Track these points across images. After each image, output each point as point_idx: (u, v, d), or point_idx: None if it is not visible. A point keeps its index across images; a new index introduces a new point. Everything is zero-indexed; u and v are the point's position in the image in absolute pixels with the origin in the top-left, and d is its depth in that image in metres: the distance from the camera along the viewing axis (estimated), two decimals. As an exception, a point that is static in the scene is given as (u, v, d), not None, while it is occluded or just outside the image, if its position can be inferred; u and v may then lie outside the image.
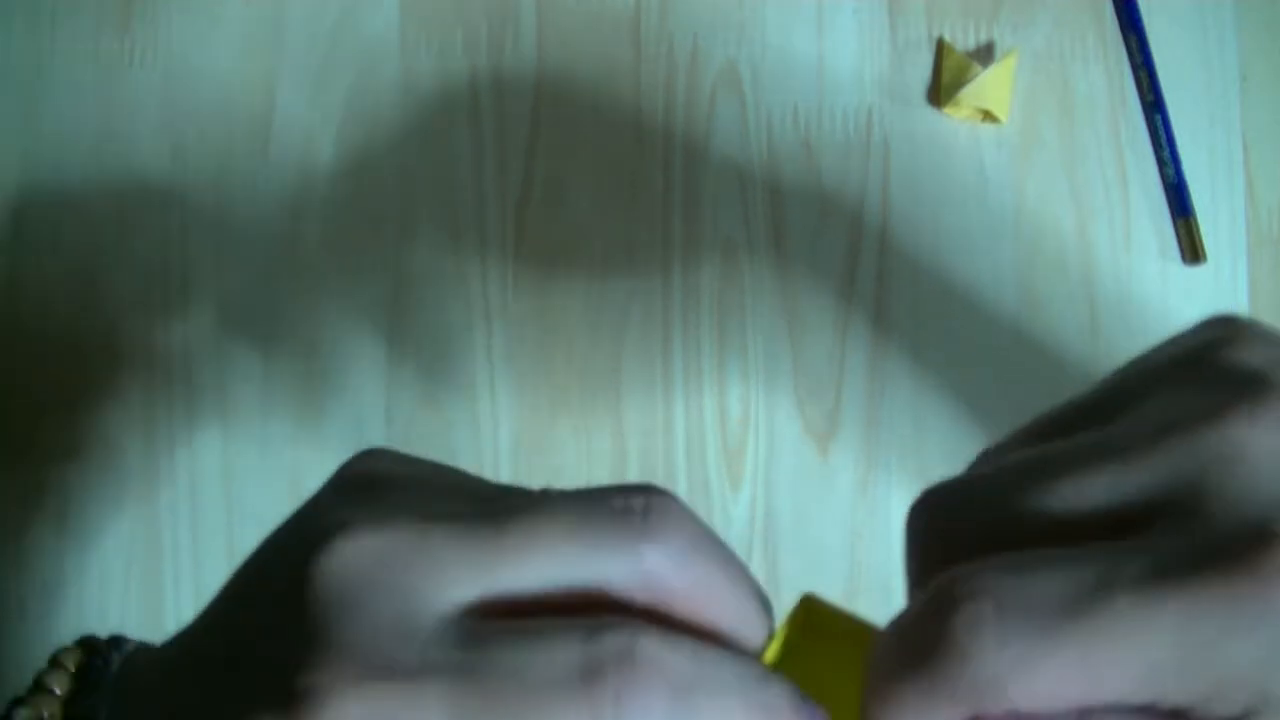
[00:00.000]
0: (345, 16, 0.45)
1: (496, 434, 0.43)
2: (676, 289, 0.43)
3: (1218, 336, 0.19)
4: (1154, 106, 0.43)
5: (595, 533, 0.19)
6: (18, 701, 0.22)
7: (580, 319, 0.43)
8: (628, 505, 0.19)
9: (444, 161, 0.44)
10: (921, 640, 0.18)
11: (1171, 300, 0.43)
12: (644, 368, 0.43)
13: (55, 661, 0.23)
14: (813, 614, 0.22)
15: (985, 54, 0.44)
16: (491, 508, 0.19)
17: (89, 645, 0.23)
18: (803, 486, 0.42)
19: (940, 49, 0.44)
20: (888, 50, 0.44)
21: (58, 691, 0.22)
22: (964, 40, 0.44)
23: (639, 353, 0.43)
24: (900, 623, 0.19)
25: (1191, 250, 0.42)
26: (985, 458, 0.22)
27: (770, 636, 0.21)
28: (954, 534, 0.19)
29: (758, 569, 0.42)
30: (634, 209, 0.44)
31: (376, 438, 0.43)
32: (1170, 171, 0.43)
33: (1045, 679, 0.17)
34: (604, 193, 0.44)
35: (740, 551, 0.42)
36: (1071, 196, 0.43)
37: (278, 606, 0.19)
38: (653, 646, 0.18)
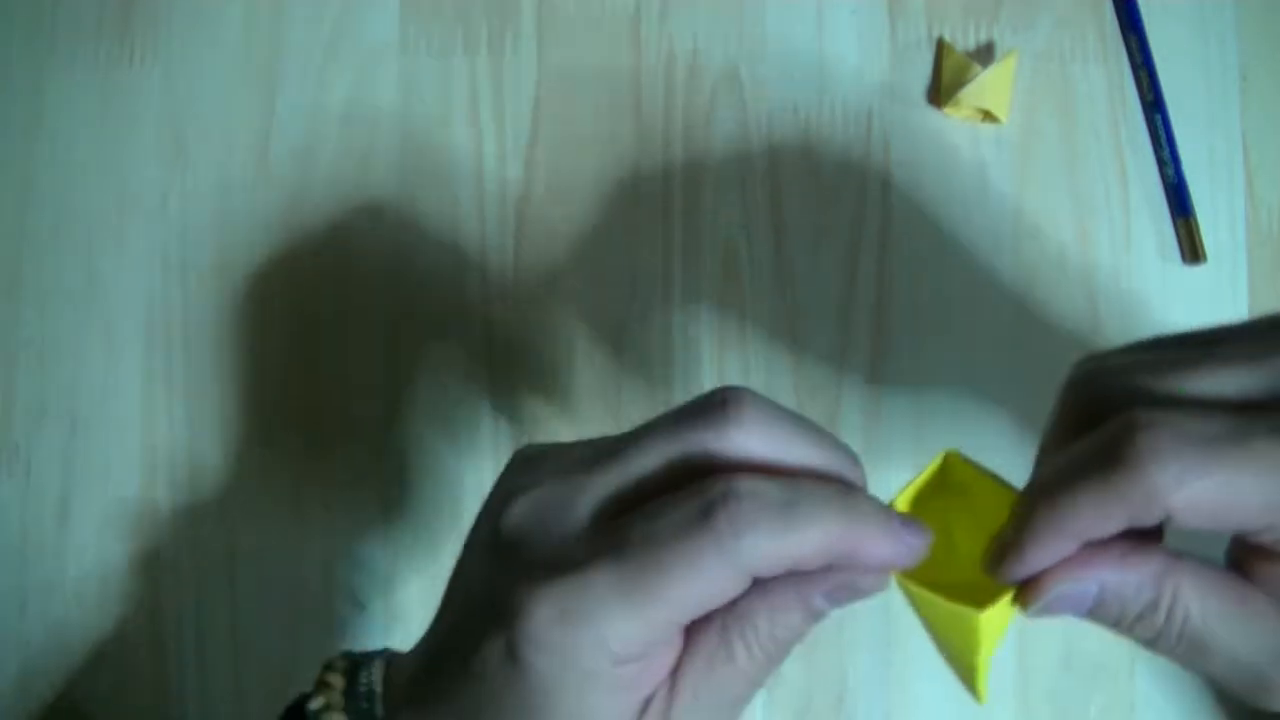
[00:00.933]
0: (345, 16, 0.45)
1: (496, 434, 0.43)
2: (676, 289, 0.43)
3: None
4: (1154, 106, 0.43)
5: (689, 425, 0.24)
6: (306, 695, 0.28)
7: (580, 319, 0.43)
8: (709, 401, 0.25)
9: (444, 161, 0.44)
10: (1104, 454, 0.23)
11: (1171, 300, 0.43)
12: (644, 367, 0.43)
13: (329, 665, 0.29)
14: (952, 469, 0.26)
15: (985, 54, 0.44)
16: (609, 441, 0.26)
17: (351, 655, 0.29)
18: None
19: (940, 49, 0.44)
20: (888, 50, 0.44)
21: (337, 685, 0.28)
22: (964, 40, 0.44)
23: (639, 352, 0.43)
24: (1081, 444, 0.24)
25: (1191, 250, 0.42)
26: (1131, 350, 0.27)
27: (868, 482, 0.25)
28: (1112, 397, 0.24)
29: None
30: (634, 209, 0.44)
31: (376, 436, 0.43)
32: (1170, 171, 0.43)
33: (1196, 494, 0.22)
34: (604, 193, 0.44)
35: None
36: (1071, 196, 0.43)
37: (486, 555, 0.26)
38: (749, 482, 0.23)
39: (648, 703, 0.25)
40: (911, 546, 0.24)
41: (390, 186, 0.44)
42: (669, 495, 0.24)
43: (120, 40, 0.45)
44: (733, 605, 0.25)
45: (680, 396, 0.43)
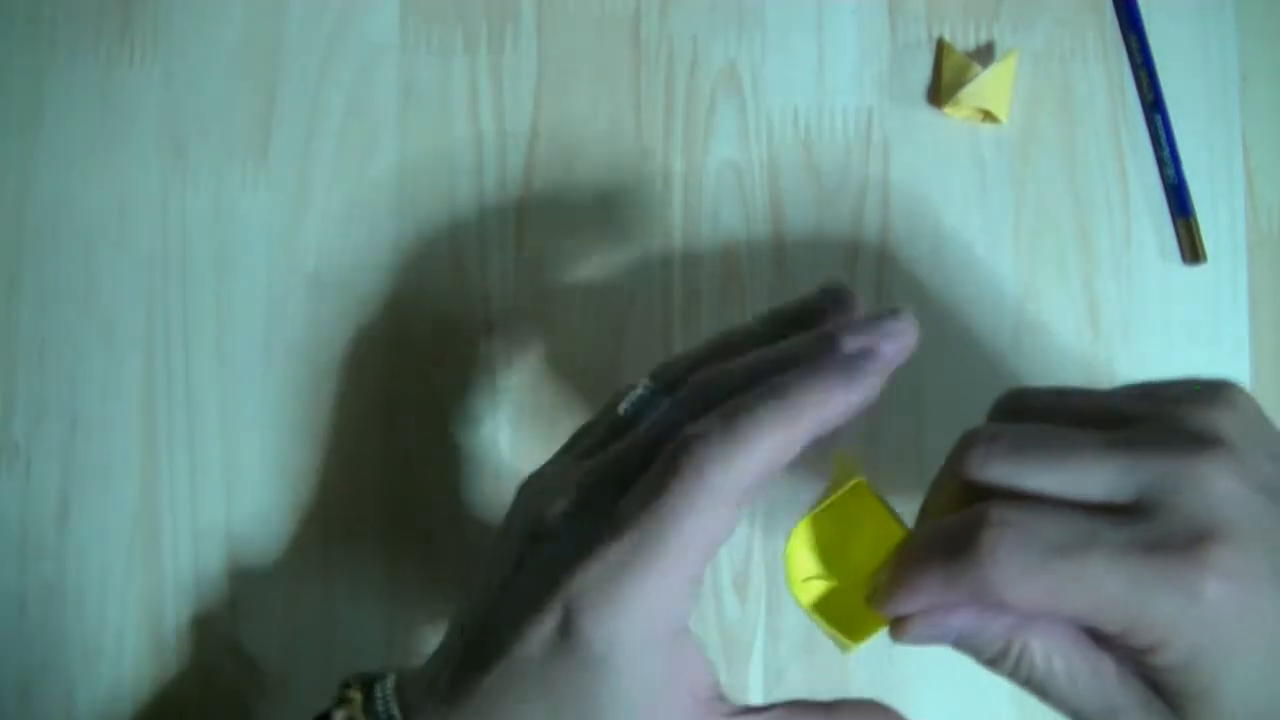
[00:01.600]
0: (345, 16, 0.45)
1: (496, 434, 0.43)
2: (676, 289, 0.43)
3: (1214, 397, 0.28)
4: (1154, 106, 0.43)
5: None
6: (324, 713, 0.30)
7: (580, 319, 0.43)
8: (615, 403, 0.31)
9: (444, 161, 0.44)
10: (955, 541, 0.26)
11: (1171, 300, 0.43)
12: (644, 368, 0.43)
13: (346, 683, 0.31)
14: (859, 495, 0.30)
15: (985, 54, 0.44)
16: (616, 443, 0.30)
17: (364, 674, 0.31)
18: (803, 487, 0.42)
19: (940, 49, 0.44)
20: (888, 50, 0.44)
21: (356, 699, 0.30)
22: (964, 40, 0.44)
23: (639, 353, 0.43)
24: (944, 524, 0.27)
25: (1191, 250, 0.42)
26: (1015, 398, 0.31)
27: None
28: (985, 482, 0.27)
29: (758, 567, 0.42)
30: (634, 209, 0.44)
31: (376, 437, 0.43)
32: (1170, 171, 0.43)
33: (1030, 591, 0.25)
34: (604, 193, 0.44)
35: (739, 552, 0.42)
36: (1071, 196, 0.43)
37: (523, 547, 0.28)
38: (692, 426, 0.27)
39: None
40: (859, 397, 0.28)
41: (390, 186, 0.44)
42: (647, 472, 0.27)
43: (120, 40, 0.45)
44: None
45: (680, 396, 0.43)
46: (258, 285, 0.44)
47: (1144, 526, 0.25)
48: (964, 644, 0.28)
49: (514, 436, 0.43)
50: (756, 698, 0.42)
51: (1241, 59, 0.43)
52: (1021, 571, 0.25)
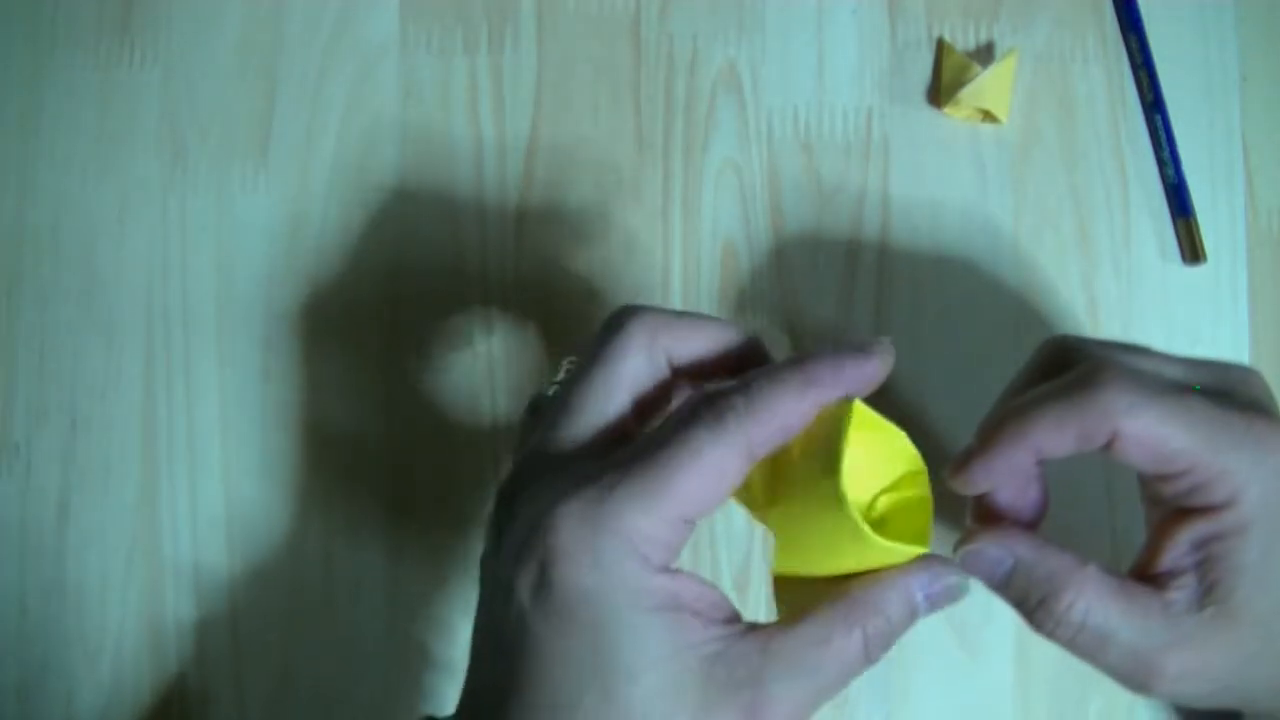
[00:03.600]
0: (345, 16, 0.45)
1: (496, 434, 0.43)
2: (676, 289, 0.43)
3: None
4: (1154, 106, 0.43)
5: (606, 356, 0.30)
6: None
7: (580, 319, 0.43)
8: (610, 327, 0.30)
9: (444, 162, 0.44)
10: (1072, 381, 0.29)
11: (1171, 300, 0.43)
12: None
13: None
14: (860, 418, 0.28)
15: (985, 54, 0.44)
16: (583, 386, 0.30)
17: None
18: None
19: (940, 49, 0.44)
20: (888, 50, 0.44)
21: None
22: (964, 40, 0.44)
23: (639, 353, 0.43)
24: (1049, 384, 0.29)
25: (1191, 250, 0.42)
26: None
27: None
28: (1085, 351, 0.31)
29: (758, 568, 0.42)
30: (634, 209, 0.44)
31: (376, 436, 0.43)
32: (1170, 171, 0.43)
33: (1140, 424, 0.28)
34: (604, 193, 0.44)
35: (741, 554, 0.42)
36: (1071, 196, 0.43)
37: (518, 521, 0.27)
38: (712, 386, 0.28)
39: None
40: (870, 370, 0.28)
41: (390, 186, 0.44)
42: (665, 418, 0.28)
43: (120, 40, 0.45)
44: (856, 597, 0.27)
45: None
46: (258, 285, 0.44)
47: (1223, 398, 0.29)
48: (1015, 581, 0.29)
49: (513, 436, 0.43)
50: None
51: (1241, 59, 0.43)
52: (1138, 402, 0.28)
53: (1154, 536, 0.30)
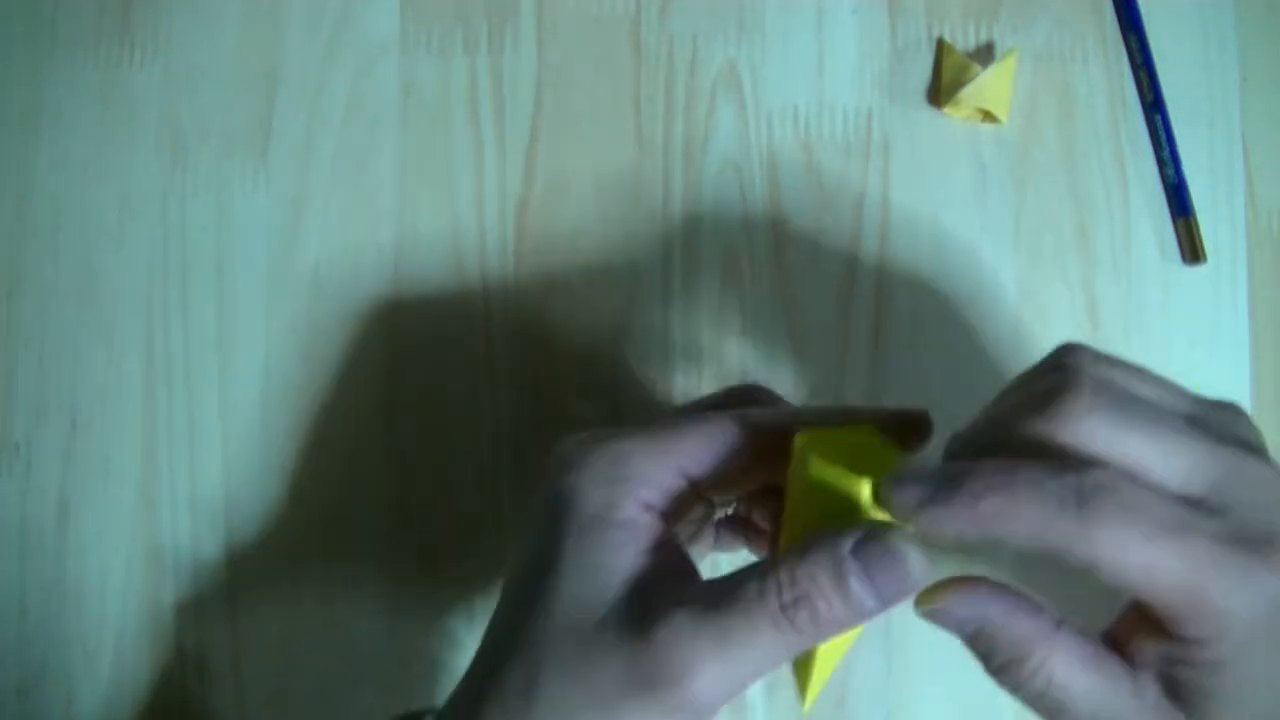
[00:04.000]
0: (345, 16, 0.45)
1: (496, 435, 0.43)
2: (676, 290, 0.43)
3: (1241, 412, 0.28)
4: (1154, 106, 0.43)
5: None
6: None
7: (580, 319, 0.43)
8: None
9: (444, 161, 0.44)
10: (1072, 490, 0.25)
11: (1171, 300, 0.43)
12: (644, 367, 0.43)
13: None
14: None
15: (985, 54, 0.44)
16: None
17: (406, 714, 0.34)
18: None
19: (940, 49, 0.44)
20: (888, 50, 0.44)
21: None
22: (964, 40, 0.44)
23: (639, 352, 0.43)
24: (1045, 470, 0.26)
25: (1191, 250, 0.42)
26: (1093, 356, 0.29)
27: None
28: (1090, 420, 0.27)
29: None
30: (634, 209, 0.44)
31: (376, 437, 0.43)
32: (1170, 171, 0.43)
33: (1131, 561, 0.25)
34: (604, 193, 0.44)
35: (739, 554, 0.42)
36: (1071, 196, 0.43)
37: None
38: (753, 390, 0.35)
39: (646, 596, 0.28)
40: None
41: (390, 186, 0.44)
42: None
43: (120, 40, 0.45)
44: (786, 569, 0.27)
45: (680, 397, 0.43)
46: (258, 285, 0.44)
47: (1223, 520, 0.26)
48: (980, 640, 0.28)
49: (513, 436, 0.43)
50: (756, 697, 0.42)
51: (1241, 59, 0.43)
52: (1128, 540, 0.25)
53: (1129, 618, 0.28)
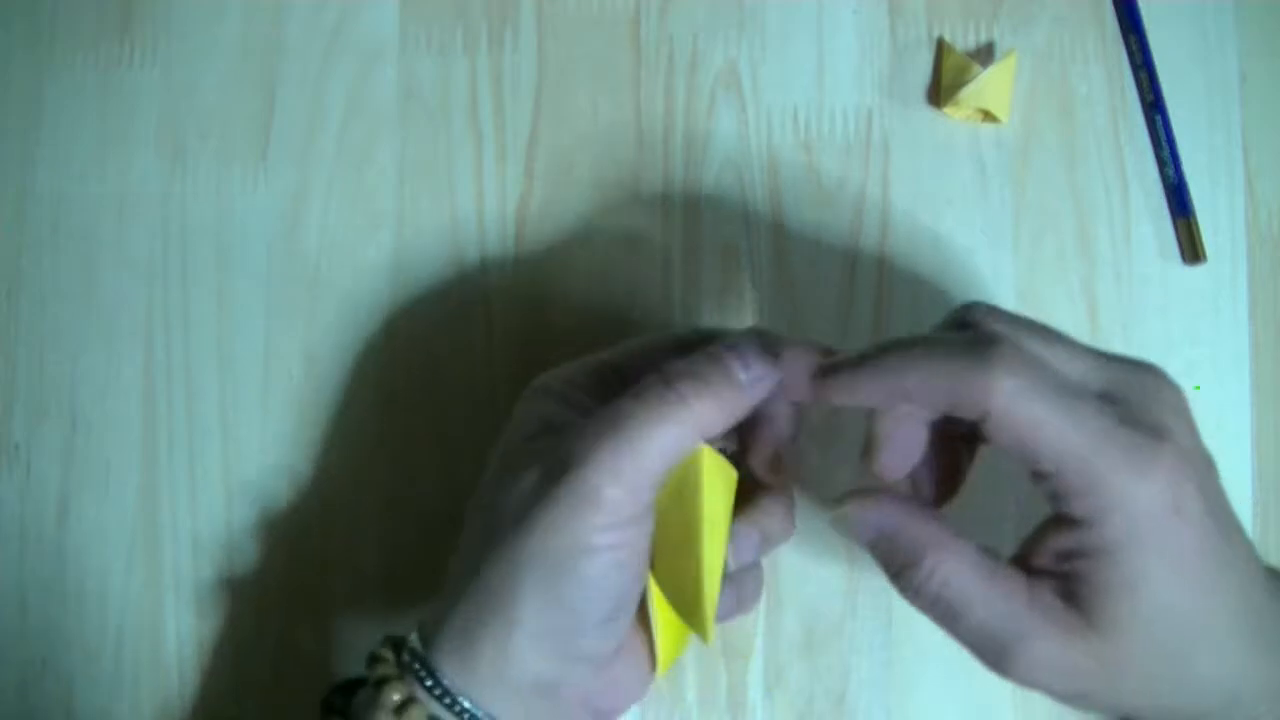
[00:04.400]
0: (345, 16, 0.45)
1: (496, 434, 0.43)
2: (676, 289, 0.43)
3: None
4: (1154, 106, 0.43)
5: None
6: (351, 680, 0.34)
7: (580, 319, 0.43)
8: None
9: (444, 161, 0.44)
10: (966, 349, 0.28)
11: (1171, 300, 0.43)
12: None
13: (376, 650, 0.33)
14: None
15: (985, 54, 0.44)
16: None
17: (390, 636, 0.34)
18: (803, 487, 0.42)
19: (940, 49, 0.44)
20: (888, 50, 0.44)
21: (389, 658, 0.33)
22: (964, 40, 0.44)
23: (639, 353, 0.43)
24: (949, 336, 0.30)
25: (1191, 250, 0.42)
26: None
27: None
28: (998, 320, 0.31)
29: (758, 569, 0.42)
30: (634, 209, 0.44)
31: (375, 436, 0.43)
32: (1170, 171, 0.43)
33: (1023, 411, 0.27)
34: (604, 192, 0.44)
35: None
36: (1071, 196, 0.43)
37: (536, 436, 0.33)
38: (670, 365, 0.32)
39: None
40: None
41: (390, 186, 0.44)
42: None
43: (120, 40, 0.45)
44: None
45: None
46: (258, 285, 0.44)
47: (1116, 406, 0.28)
48: (879, 545, 0.30)
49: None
50: (757, 698, 0.42)
51: (1241, 59, 0.43)
52: (1021, 385, 0.27)
53: (1035, 531, 0.29)
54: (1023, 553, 0.30)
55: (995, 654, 0.29)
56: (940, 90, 0.43)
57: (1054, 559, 0.28)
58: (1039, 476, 0.28)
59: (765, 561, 0.42)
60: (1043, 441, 0.27)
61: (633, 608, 0.32)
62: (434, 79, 0.44)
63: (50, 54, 0.45)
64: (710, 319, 0.43)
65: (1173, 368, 0.42)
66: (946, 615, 0.29)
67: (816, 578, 0.42)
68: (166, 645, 0.43)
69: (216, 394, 0.44)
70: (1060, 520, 0.28)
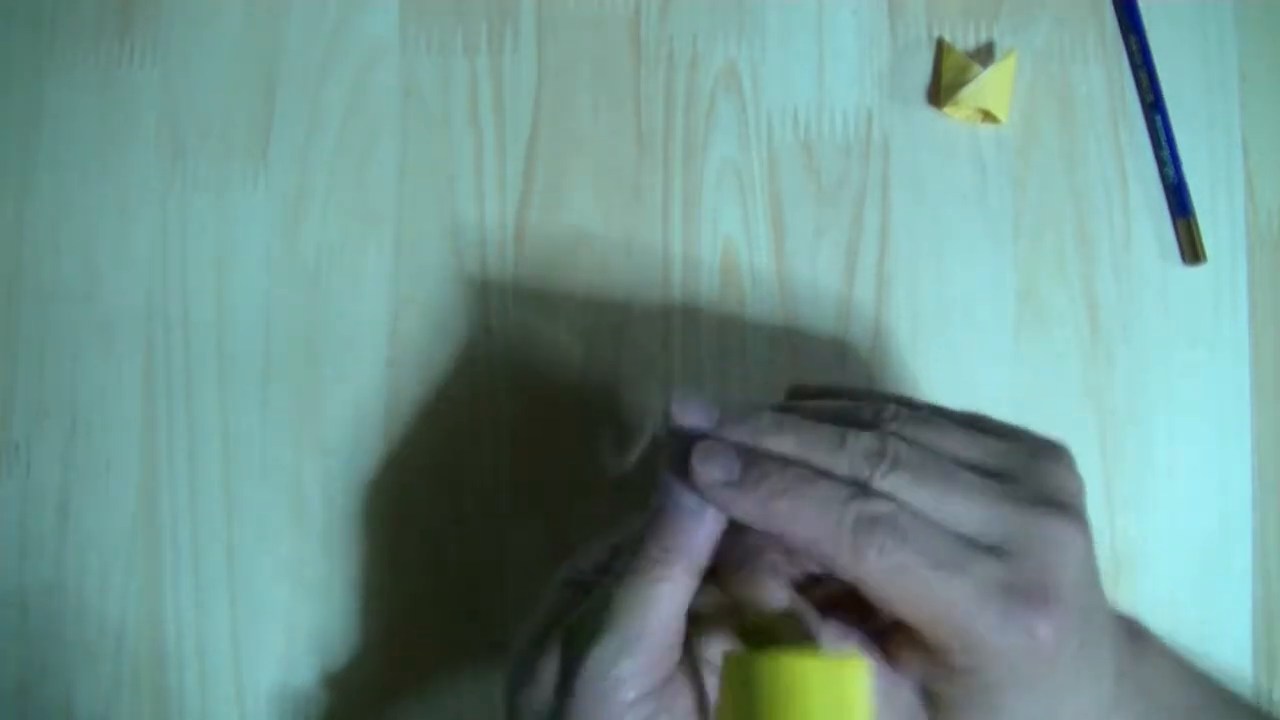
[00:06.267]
0: (345, 16, 0.45)
1: (497, 435, 0.43)
2: (676, 289, 0.43)
3: (1061, 459, 0.30)
4: (1154, 106, 0.43)
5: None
6: None
7: (580, 319, 0.43)
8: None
9: (444, 161, 0.44)
10: (847, 505, 0.28)
11: (1171, 300, 0.43)
12: (644, 368, 0.43)
13: None
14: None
15: (985, 54, 0.44)
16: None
17: None
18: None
19: (940, 49, 0.44)
20: (888, 50, 0.44)
21: None
22: (964, 40, 0.44)
23: (638, 352, 0.43)
24: (836, 482, 0.29)
25: (1191, 250, 0.42)
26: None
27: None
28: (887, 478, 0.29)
29: (758, 569, 0.42)
30: (634, 209, 0.44)
31: (375, 439, 0.43)
32: (1170, 171, 0.43)
33: (893, 585, 0.27)
34: (604, 193, 0.44)
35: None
36: (1071, 196, 0.43)
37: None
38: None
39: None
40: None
41: (390, 186, 0.44)
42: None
43: (120, 40, 0.45)
44: None
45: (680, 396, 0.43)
46: (258, 285, 0.44)
47: (1005, 567, 0.27)
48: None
49: (512, 436, 0.43)
50: (756, 698, 0.42)
51: (1241, 59, 0.43)
52: (898, 569, 0.27)
53: (894, 632, 0.30)
54: (885, 639, 0.30)
55: None
56: (940, 90, 0.43)
57: (918, 666, 0.29)
58: (918, 633, 0.28)
59: (765, 561, 0.42)
60: (919, 613, 0.27)
61: None
62: (434, 79, 0.44)
63: (50, 54, 0.45)
64: (710, 319, 0.43)
65: (1173, 368, 0.42)
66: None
67: (816, 578, 0.42)
68: (166, 645, 0.43)
69: (216, 394, 0.44)
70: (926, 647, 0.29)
